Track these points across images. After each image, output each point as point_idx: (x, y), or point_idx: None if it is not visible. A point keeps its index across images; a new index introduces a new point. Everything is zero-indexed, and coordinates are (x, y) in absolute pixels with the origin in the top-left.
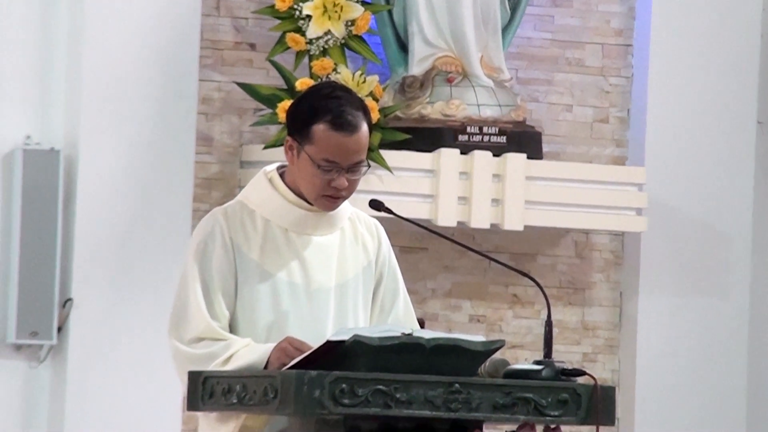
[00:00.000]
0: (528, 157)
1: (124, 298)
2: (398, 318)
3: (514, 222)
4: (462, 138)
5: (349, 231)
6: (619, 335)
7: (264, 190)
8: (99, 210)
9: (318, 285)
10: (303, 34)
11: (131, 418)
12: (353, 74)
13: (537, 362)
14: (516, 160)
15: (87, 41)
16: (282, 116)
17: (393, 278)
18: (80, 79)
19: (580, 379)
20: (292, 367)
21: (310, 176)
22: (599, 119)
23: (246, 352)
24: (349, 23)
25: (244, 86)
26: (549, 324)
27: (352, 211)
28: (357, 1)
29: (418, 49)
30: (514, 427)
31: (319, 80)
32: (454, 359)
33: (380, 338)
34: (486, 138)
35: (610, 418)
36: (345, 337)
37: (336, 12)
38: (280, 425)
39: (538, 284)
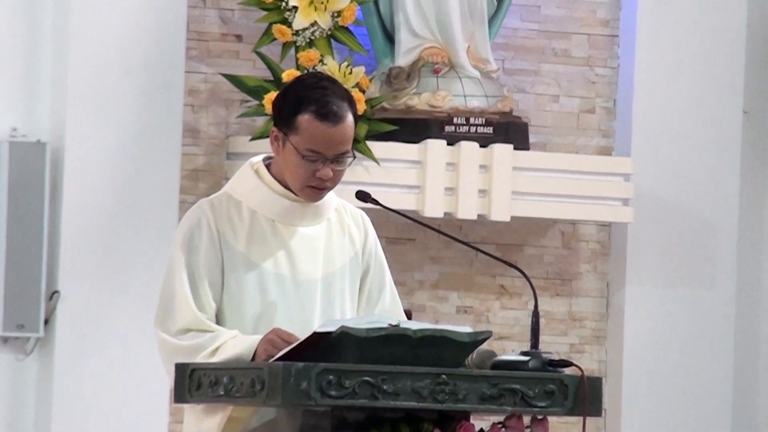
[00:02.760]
0: (515, 148)
1: (111, 290)
2: (385, 309)
3: (500, 213)
4: (449, 129)
5: (335, 222)
6: (606, 326)
7: (250, 181)
8: (86, 202)
9: (305, 276)
10: (289, 25)
11: (118, 411)
12: (339, 65)
13: (524, 353)
14: (503, 150)
15: (72, 33)
16: (268, 107)
17: (379, 269)
18: (66, 71)
19: (567, 370)
20: (279, 359)
21: (295, 166)
22: (586, 110)
23: (233, 344)
24: (336, 14)
25: (230, 78)
26: (536, 315)
27: (339, 202)
28: None
29: (404, 40)
30: (501, 417)
31: (306, 71)
32: (441, 350)
33: (367, 329)
34: (473, 129)
35: (597, 409)
36: (332, 328)
37: (322, 3)
38: (268, 417)
39: (525, 275)
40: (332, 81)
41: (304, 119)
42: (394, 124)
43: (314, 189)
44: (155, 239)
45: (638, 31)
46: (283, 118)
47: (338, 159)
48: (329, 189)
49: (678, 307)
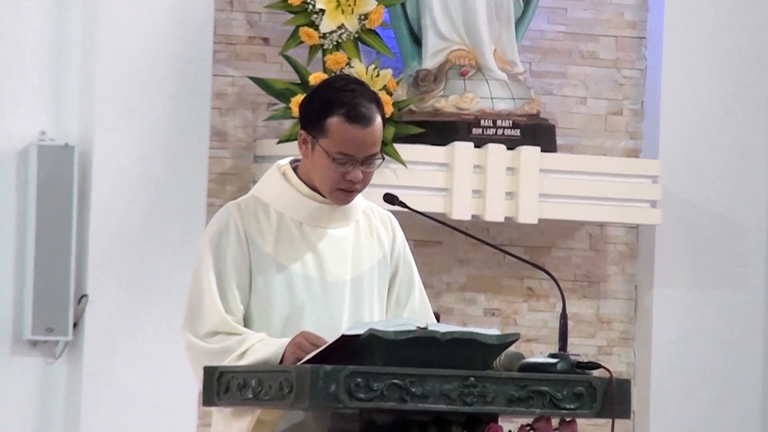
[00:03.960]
0: (542, 150)
1: (139, 293)
2: (414, 311)
3: (528, 215)
4: (476, 131)
5: (363, 224)
6: (634, 328)
7: (278, 184)
8: (113, 206)
9: (333, 278)
10: (316, 28)
11: (147, 414)
12: (367, 68)
13: (552, 355)
14: (530, 153)
15: (101, 37)
16: (295, 110)
17: (408, 271)
18: (94, 75)
19: (596, 372)
20: (307, 362)
21: (325, 169)
22: (613, 112)
23: (261, 347)
24: (363, 17)
25: (257, 81)
26: (564, 317)
27: (367, 204)
28: None
29: (431, 42)
30: (530, 420)
31: (333, 74)
32: (470, 353)
33: (395, 332)
34: (500, 131)
35: (625, 411)
36: (360, 331)
37: (349, 6)
38: (296, 420)
39: (552, 277)
40: (360, 83)
41: (334, 122)
42: (422, 126)
43: (344, 192)
44: (183, 242)
45: (665, 33)
46: (312, 121)
47: (368, 161)
48: (359, 191)
49: (706, 308)
